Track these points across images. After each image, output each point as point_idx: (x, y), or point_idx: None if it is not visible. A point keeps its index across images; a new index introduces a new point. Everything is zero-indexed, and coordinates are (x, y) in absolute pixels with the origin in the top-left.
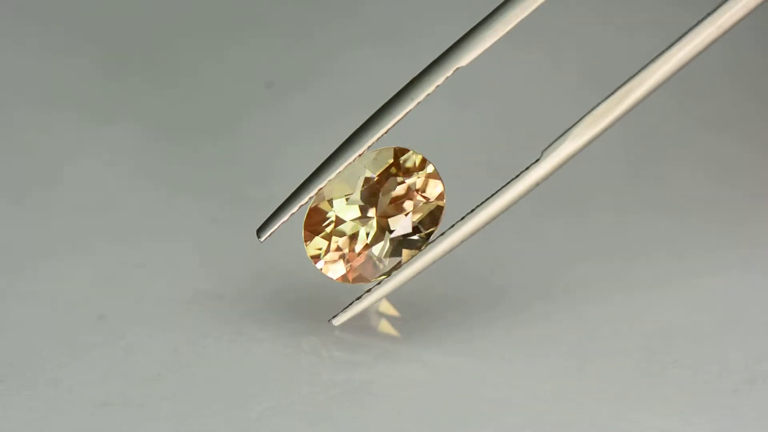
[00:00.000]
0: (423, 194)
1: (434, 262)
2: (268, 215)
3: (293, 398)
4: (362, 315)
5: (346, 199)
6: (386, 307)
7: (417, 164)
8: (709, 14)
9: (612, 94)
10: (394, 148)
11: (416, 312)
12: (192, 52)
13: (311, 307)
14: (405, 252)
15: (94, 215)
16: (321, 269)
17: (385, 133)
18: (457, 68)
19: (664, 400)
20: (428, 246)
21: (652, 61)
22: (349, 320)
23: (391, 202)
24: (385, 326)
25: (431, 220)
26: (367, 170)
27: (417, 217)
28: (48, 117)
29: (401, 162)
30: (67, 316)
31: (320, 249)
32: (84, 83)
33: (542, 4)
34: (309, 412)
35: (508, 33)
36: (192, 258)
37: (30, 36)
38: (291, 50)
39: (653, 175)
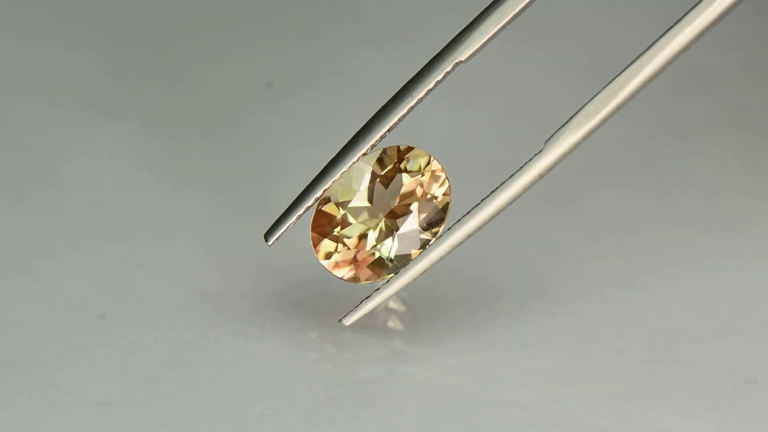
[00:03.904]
0: (429, 190)
1: (442, 258)
2: (275, 219)
3: (293, 398)
4: (370, 312)
5: (353, 198)
6: (394, 302)
7: (421, 161)
8: None
9: (611, 81)
10: (398, 146)
11: (417, 312)
12: (193, 52)
13: (311, 307)
14: (413, 249)
15: (94, 214)
16: (331, 270)
17: (388, 131)
18: (457, 63)
19: (664, 400)
20: (436, 242)
21: (651, 46)
22: (358, 319)
23: (397, 200)
24: (393, 322)
25: (438, 216)
26: (371, 169)
27: (424, 213)
28: (49, 116)
29: (406, 159)
30: (67, 316)
31: (329, 250)
32: (85, 82)
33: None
34: (309, 412)
35: (507, 29)
36: (192, 258)
37: (33, 34)
38: (291, 51)
39: (654, 174)
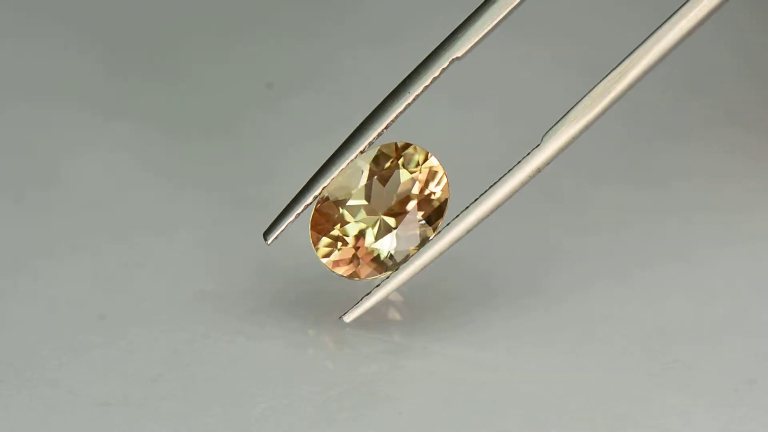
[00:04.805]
0: (427, 187)
1: (441, 253)
2: (274, 218)
3: (293, 398)
4: (371, 309)
5: (351, 196)
6: (393, 294)
7: (420, 158)
8: None
9: (607, 75)
10: (396, 143)
11: (416, 310)
12: (193, 51)
13: (312, 306)
14: (412, 246)
15: (95, 214)
16: (330, 268)
17: (386, 128)
18: (453, 59)
19: (664, 400)
20: (434, 238)
21: (645, 40)
22: (359, 317)
23: (395, 197)
24: (393, 313)
25: (436, 213)
26: (369, 166)
27: (422, 210)
28: (49, 115)
29: (404, 156)
30: (67, 316)
31: (328, 248)
32: (85, 82)
33: None
34: (309, 412)
35: (503, 24)
36: (192, 257)
37: (33, 34)
38: (291, 51)
39: (653, 172)
